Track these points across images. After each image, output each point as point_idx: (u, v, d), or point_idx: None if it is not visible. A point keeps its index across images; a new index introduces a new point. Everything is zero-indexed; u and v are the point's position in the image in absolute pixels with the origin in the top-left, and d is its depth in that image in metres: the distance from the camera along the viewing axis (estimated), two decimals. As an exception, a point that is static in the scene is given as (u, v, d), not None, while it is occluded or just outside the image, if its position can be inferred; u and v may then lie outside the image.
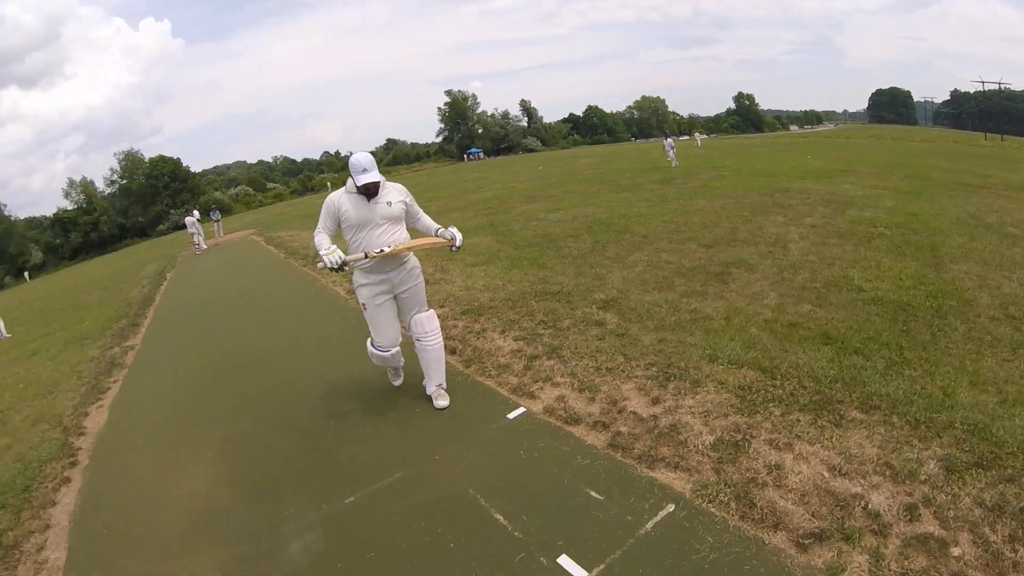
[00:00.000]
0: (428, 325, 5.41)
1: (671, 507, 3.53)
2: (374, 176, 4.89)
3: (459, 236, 5.37)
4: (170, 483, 5.29)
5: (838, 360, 5.04)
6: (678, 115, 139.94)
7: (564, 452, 4.35)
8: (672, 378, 5.10)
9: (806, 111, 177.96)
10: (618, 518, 3.54)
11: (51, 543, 4.83)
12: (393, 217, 5.11)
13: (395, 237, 5.10)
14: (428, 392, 5.59)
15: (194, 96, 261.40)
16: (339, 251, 4.89)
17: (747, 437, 4.09)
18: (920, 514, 3.19)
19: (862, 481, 3.50)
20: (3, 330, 18.99)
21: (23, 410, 8.56)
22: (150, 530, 4.58)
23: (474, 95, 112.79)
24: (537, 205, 18.94)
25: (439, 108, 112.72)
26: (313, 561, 3.82)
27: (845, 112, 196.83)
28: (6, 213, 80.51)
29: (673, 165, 27.77)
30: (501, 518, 3.80)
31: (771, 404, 4.44)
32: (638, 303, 7.20)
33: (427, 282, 10.08)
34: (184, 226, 33.55)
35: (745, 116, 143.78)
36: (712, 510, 3.45)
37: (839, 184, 15.99)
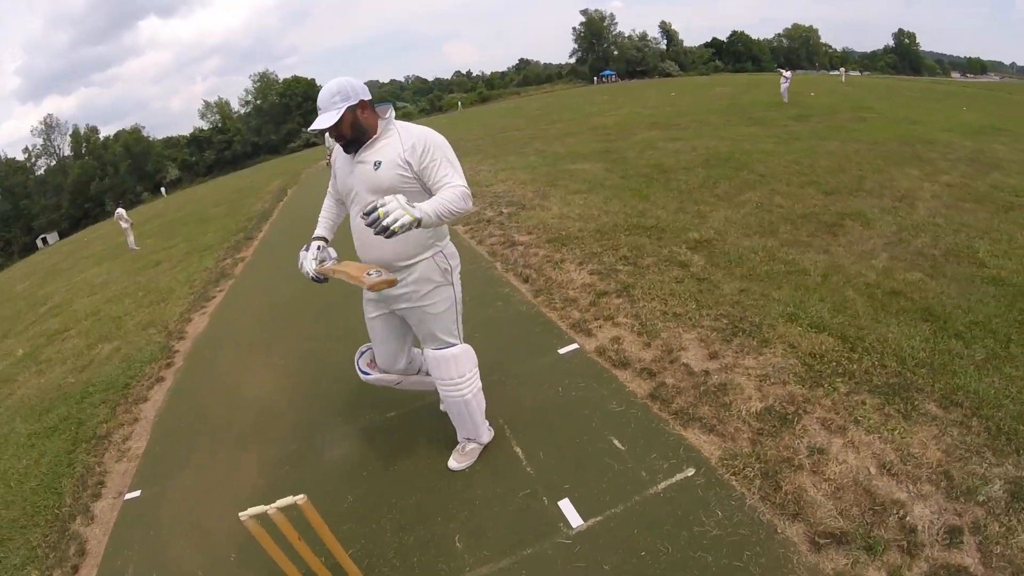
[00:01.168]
0: (441, 371, 3.47)
1: (691, 471, 3.35)
2: (322, 121, 2.98)
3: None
4: (242, 386, 5.93)
5: (932, 341, 4.37)
6: (830, 48, 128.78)
7: (601, 396, 4.25)
8: (740, 333, 4.75)
9: (971, 58, 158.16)
10: (632, 472, 3.43)
11: (136, 434, 5.55)
12: (379, 189, 3.03)
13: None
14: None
15: (330, 16, 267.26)
16: (325, 250, 3.58)
17: (799, 411, 3.72)
18: (962, 541, 2.71)
19: (910, 487, 3.04)
20: (133, 244, 20.52)
21: (137, 315, 9.43)
22: (216, 425, 5.28)
23: (612, 15, 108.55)
24: (658, 133, 18.11)
25: (574, 28, 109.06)
26: (346, 466, 4.17)
27: (1013, 65, 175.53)
28: (144, 134, 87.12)
29: (784, 101, 25.51)
30: (520, 451, 3.83)
31: (839, 379, 3.99)
32: (732, 247, 6.77)
33: (523, 207, 10.26)
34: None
35: (904, 56, 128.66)
36: (733, 483, 3.21)
37: (990, 143, 14.12)
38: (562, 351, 5.00)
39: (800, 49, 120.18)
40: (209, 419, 5.39)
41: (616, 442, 3.69)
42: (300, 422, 4.91)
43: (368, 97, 3.04)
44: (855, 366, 4.10)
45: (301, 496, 2.44)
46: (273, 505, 2.44)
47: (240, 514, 2.45)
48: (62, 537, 4.38)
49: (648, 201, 9.45)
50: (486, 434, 3.86)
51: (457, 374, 3.46)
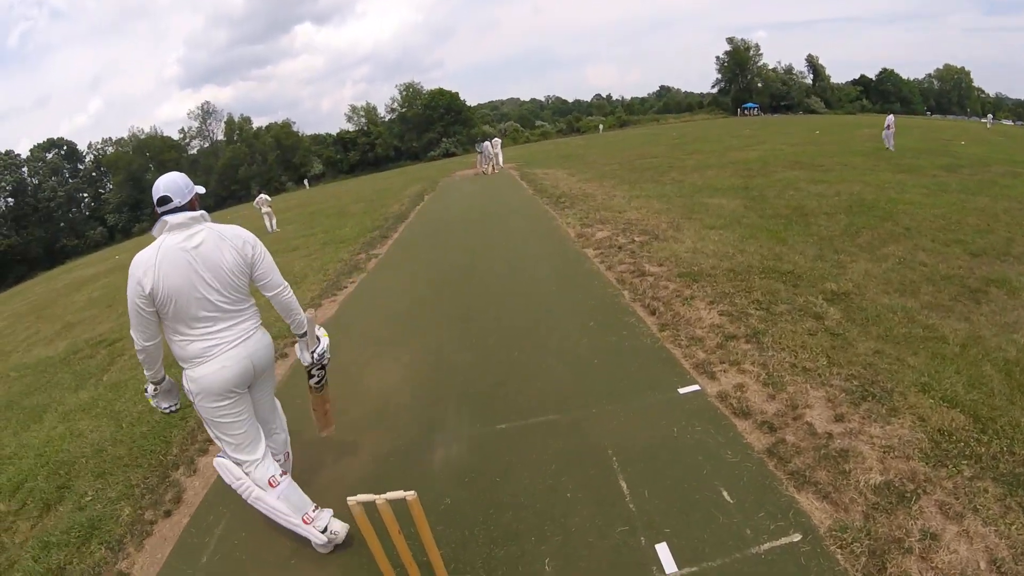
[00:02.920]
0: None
1: (797, 537, 3.19)
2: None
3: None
4: (364, 376, 6.24)
5: None
6: (983, 92, 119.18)
7: (717, 443, 4.12)
8: (869, 398, 4.47)
9: None
10: (737, 527, 3.31)
11: None
12: None
13: None
14: None
15: (474, 34, 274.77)
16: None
17: (919, 490, 3.46)
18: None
19: None
20: (274, 225, 21.85)
21: None
22: (334, 408, 5.28)
23: (757, 46, 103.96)
24: (801, 173, 17.50)
25: (717, 57, 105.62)
26: (450, 469, 4.32)
27: None
28: (294, 129, 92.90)
29: (887, 147, 23.92)
30: (624, 486, 3.78)
31: (965, 461, 3.68)
32: (871, 304, 6.40)
33: (656, 237, 10.31)
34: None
35: None
36: (838, 556, 3.03)
37: None
38: (682, 390, 4.90)
39: (952, 92, 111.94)
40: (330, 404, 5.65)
41: (725, 494, 3.58)
42: (415, 420, 5.11)
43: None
44: (983, 449, 3.77)
45: (411, 492, 2.51)
46: (383, 496, 2.52)
47: (349, 499, 2.55)
48: (161, 482, 4.78)
49: (786, 244, 9.12)
50: (316, 534, 3.52)
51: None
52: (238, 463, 3.46)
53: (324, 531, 3.53)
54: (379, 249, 13.55)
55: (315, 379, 3.98)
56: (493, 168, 32.62)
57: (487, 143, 34.15)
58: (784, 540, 3.18)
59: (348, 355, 6.80)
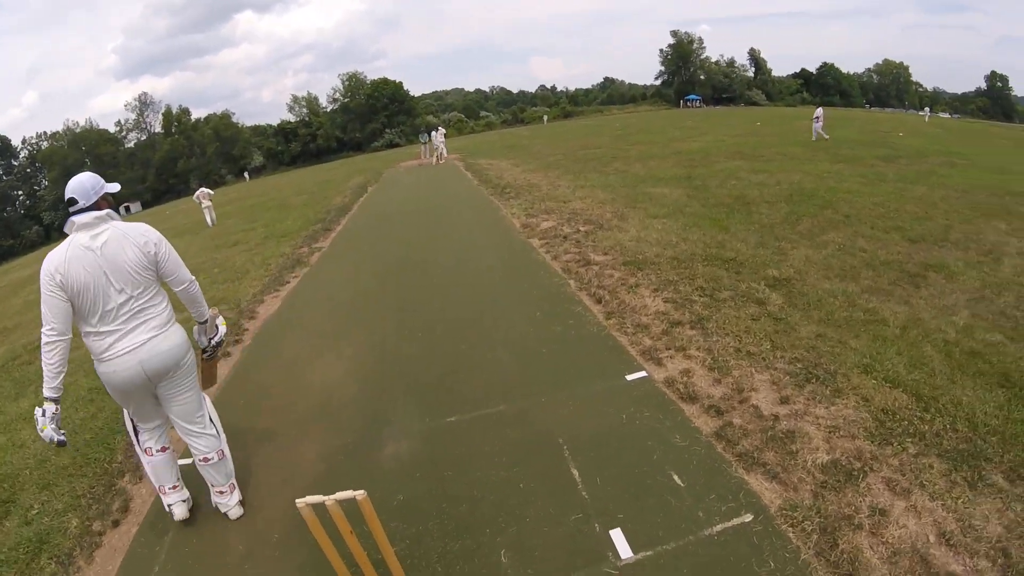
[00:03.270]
0: None
1: (748, 517, 3.24)
2: None
3: None
4: (308, 372, 6.08)
5: (1007, 409, 4.09)
6: (921, 86, 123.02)
7: (666, 428, 4.16)
8: (813, 380, 4.59)
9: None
10: (689, 511, 3.34)
11: None
12: None
13: None
14: None
15: (419, 25, 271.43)
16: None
17: (866, 468, 3.56)
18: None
19: (967, 561, 2.87)
20: (214, 219, 21.46)
21: (210, 291, 9.84)
22: (279, 406, 5.47)
23: (700, 39, 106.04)
24: (742, 163, 17.89)
25: (661, 50, 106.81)
26: (400, 464, 4.24)
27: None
28: (234, 120, 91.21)
29: (814, 139, 24.91)
30: (576, 474, 3.78)
31: (909, 439, 3.80)
32: (812, 289, 6.57)
33: (601, 227, 10.40)
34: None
35: (996, 100, 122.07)
36: (790, 534, 3.09)
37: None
38: (630, 377, 4.93)
39: (891, 86, 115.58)
40: (272, 399, 5.53)
41: (676, 478, 3.61)
42: (362, 415, 5.01)
43: None
44: (926, 427, 3.90)
45: (361, 492, 2.46)
46: (332, 496, 2.47)
47: (297, 500, 2.49)
48: (108, 491, 4.57)
49: (728, 232, 9.29)
50: (164, 502, 3.98)
51: None
52: (135, 426, 3.82)
53: (169, 505, 3.93)
54: (322, 242, 13.29)
55: (207, 354, 4.13)
56: (438, 159, 32.39)
57: (433, 132, 33.99)
58: (736, 521, 3.22)
59: (292, 351, 6.66)
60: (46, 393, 3.35)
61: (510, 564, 3.17)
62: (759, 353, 5.09)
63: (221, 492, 3.92)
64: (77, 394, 6.47)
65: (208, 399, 4.07)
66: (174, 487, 3.92)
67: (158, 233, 3.55)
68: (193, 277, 3.70)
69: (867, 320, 5.72)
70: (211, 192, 23.82)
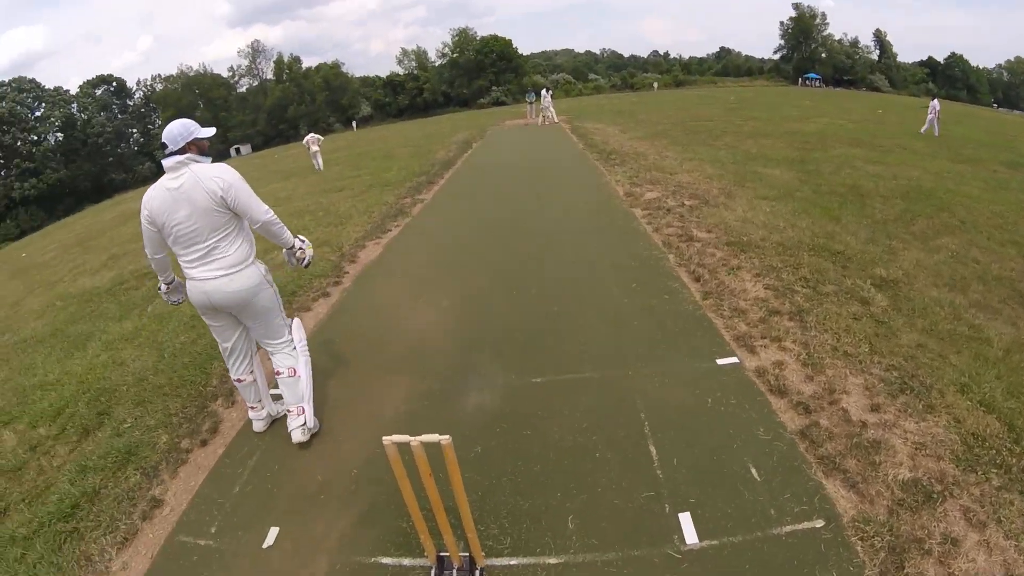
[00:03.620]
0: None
1: (820, 523, 3.17)
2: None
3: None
4: (402, 318, 6.37)
5: None
6: None
7: (750, 419, 4.09)
8: (908, 391, 4.37)
9: None
10: (762, 506, 3.30)
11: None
12: None
13: None
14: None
15: None
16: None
17: (946, 492, 3.39)
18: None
19: None
20: (320, 164, 22.01)
21: (314, 232, 10.38)
22: (371, 348, 5.75)
23: (823, 14, 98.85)
24: (859, 151, 16.90)
25: (782, 22, 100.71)
26: (482, 417, 4.40)
27: None
28: (344, 70, 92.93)
29: (922, 131, 23.39)
30: (654, 451, 3.81)
31: (994, 469, 3.58)
32: (919, 295, 6.25)
33: (706, 203, 10.25)
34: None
35: None
36: (858, 548, 3.00)
37: None
38: (720, 362, 4.85)
39: (1022, 86, 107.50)
40: (366, 340, 5.81)
41: (753, 471, 3.57)
42: (450, 364, 5.20)
43: None
44: (1015, 460, 3.65)
45: (446, 437, 2.54)
46: (418, 438, 2.56)
47: (384, 438, 2.59)
48: (199, 412, 4.93)
49: (838, 224, 8.90)
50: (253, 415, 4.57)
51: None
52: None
53: (250, 419, 4.54)
54: (425, 194, 13.58)
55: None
56: (543, 120, 32.18)
57: (542, 92, 33.71)
58: (807, 524, 3.17)
59: (389, 297, 6.95)
60: (160, 278, 4.24)
61: (575, 531, 3.25)
62: (856, 355, 4.89)
63: (289, 412, 4.29)
64: (180, 319, 6.92)
65: (297, 322, 4.47)
66: (252, 407, 4.49)
67: (232, 175, 3.80)
68: (269, 213, 3.94)
69: (971, 336, 5.39)
70: (320, 138, 24.67)
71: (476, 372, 4.99)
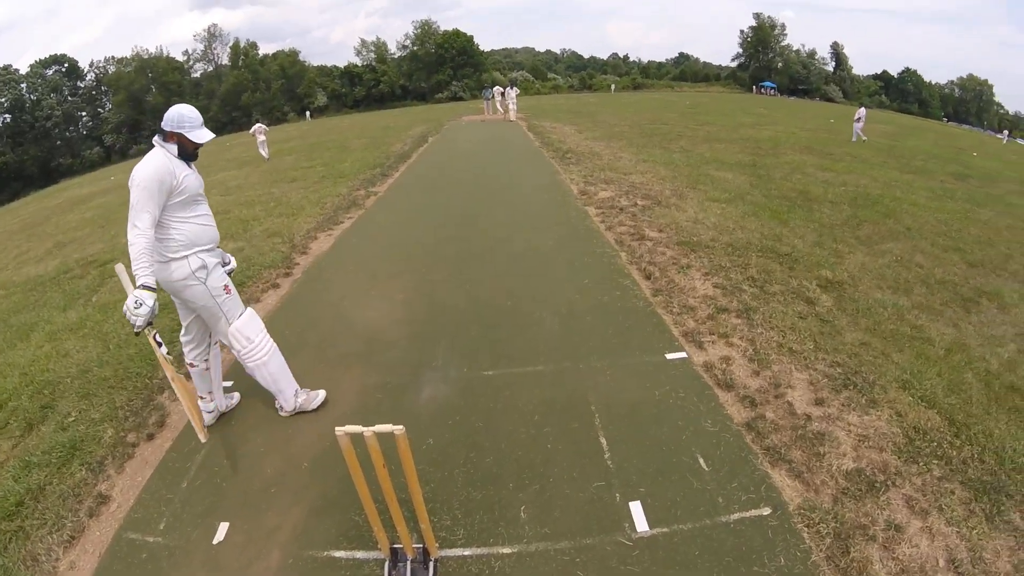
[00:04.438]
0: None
1: (767, 511, 3.27)
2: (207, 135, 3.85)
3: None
4: (354, 310, 6.29)
5: None
6: (1003, 108, 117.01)
7: (699, 411, 4.20)
8: (850, 387, 4.54)
9: None
10: (710, 494, 3.40)
11: None
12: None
13: None
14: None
15: None
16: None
17: (888, 482, 3.54)
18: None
19: None
20: (267, 154, 21.84)
21: (265, 223, 10.21)
22: (323, 341, 5.68)
23: (783, 24, 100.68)
24: (810, 158, 17.42)
25: (741, 31, 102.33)
26: (435, 409, 4.40)
27: None
28: (301, 58, 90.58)
29: (853, 140, 24.37)
30: (604, 442, 3.88)
31: (935, 461, 3.76)
32: (863, 296, 6.47)
33: (658, 203, 10.36)
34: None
35: None
36: (804, 534, 3.12)
37: None
38: (669, 356, 4.96)
39: (972, 103, 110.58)
40: (317, 333, 5.75)
41: (702, 461, 3.66)
42: (403, 357, 5.17)
43: None
44: (955, 453, 3.85)
45: (400, 427, 2.53)
46: (371, 428, 2.54)
47: (337, 429, 2.58)
48: (146, 405, 4.80)
49: (787, 227, 9.15)
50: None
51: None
52: None
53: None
54: (379, 187, 13.44)
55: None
56: (505, 114, 32.28)
57: (508, 90, 33.86)
58: (754, 512, 3.27)
59: (341, 289, 6.88)
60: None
61: (528, 520, 3.28)
62: (801, 352, 5.06)
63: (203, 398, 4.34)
64: None
65: (244, 319, 4.08)
66: (201, 397, 4.31)
67: (138, 173, 3.53)
68: (131, 232, 3.45)
69: (913, 336, 5.61)
70: (267, 128, 24.37)
71: (429, 365, 4.99)
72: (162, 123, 3.67)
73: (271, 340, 4.21)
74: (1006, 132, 61.59)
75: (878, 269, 7.53)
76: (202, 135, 3.76)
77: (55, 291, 8.54)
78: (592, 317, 5.72)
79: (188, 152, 3.76)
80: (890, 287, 6.93)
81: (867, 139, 24.44)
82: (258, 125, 24.23)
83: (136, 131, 73.61)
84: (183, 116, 3.68)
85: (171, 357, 4.39)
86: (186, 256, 3.76)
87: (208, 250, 3.88)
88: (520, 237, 8.60)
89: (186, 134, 3.69)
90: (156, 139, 3.70)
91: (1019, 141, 64.33)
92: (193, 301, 3.89)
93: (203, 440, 3.72)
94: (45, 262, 11.10)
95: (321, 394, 4.52)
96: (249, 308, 4.18)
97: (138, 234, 3.40)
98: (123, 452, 4.23)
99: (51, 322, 7.04)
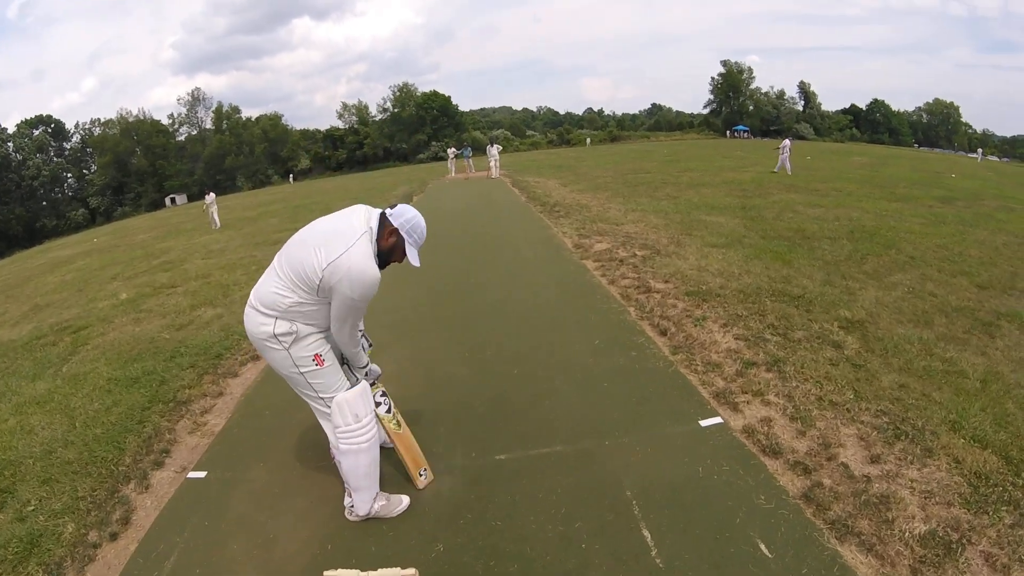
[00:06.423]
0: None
1: None
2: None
3: None
4: (347, 385, 5.58)
5: None
6: (971, 128, 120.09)
7: (748, 485, 3.70)
8: (902, 437, 4.12)
9: None
10: (778, 587, 2.90)
11: (217, 409, 5.53)
12: None
13: None
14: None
15: (472, 39, 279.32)
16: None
17: (963, 540, 3.13)
18: None
19: None
20: (217, 221, 23.10)
21: (246, 288, 9.76)
22: (307, 422, 4.76)
23: (750, 69, 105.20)
24: (797, 196, 17.47)
25: (712, 78, 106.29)
26: (442, 505, 3.79)
27: None
28: (284, 122, 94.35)
29: (776, 170, 25.48)
30: (648, 536, 3.32)
31: (1004, 507, 3.37)
32: (887, 334, 6.13)
33: (658, 252, 10.10)
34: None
35: None
36: None
37: None
38: (704, 423, 4.45)
39: (940, 126, 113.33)
40: (300, 412, 4.93)
41: (763, 546, 3.15)
42: (402, 444, 4.62)
43: None
44: (1019, 494, 3.50)
45: (411, 570, 2.11)
46: (378, 572, 2.13)
47: (327, 572, 2.15)
48: (110, 497, 4.22)
49: (792, 267, 8.89)
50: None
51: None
52: None
53: None
54: (367, 249, 13.24)
55: None
56: (489, 173, 32.66)
57: (489, 147, 34.77)
58: (830, 603, 2.75)
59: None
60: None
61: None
62: (843, 403, 4.64)
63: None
64: (95, 383, 6.29)
65: (356, 393, 3.50)
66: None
67: (356, 280, 3.24)
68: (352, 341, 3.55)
69: (946, 371, 5.28)
70: (215, 196, 24.94)
71: (432, 450, 4.30)
72: (391, 214, 3.47)
73: (377, 426, 3.65)
74: (980, 151, 63.52)
75: (894, 303, 7.26)
76: (415, 257, 3.56)
77: (26, 358, 8.04)
78: (611, 383, 5.22)
79: (386, 260, 3.53)
80: (910, 320, 6.66)
81: (792, 172, 25.27)
82: (210, 195, 24.71)
83: (120, 193, 75.50)
84: (422, 231, 3.54)
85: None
86: (279, 318, 3.31)
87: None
88: (519, 296, 8.23)
89: (409, 246, 3.50)
90: (371, 222, 3.45)
91: (991, 158, 65.83)
92: (272, 361, 3.43)
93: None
94: (20, 326, 10.58)
95: (405, 501, 3.77)
96: (363, 382, 3.63)
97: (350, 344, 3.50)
98: (84, 554, 3.65)
99: (19, 393, 6.52)
